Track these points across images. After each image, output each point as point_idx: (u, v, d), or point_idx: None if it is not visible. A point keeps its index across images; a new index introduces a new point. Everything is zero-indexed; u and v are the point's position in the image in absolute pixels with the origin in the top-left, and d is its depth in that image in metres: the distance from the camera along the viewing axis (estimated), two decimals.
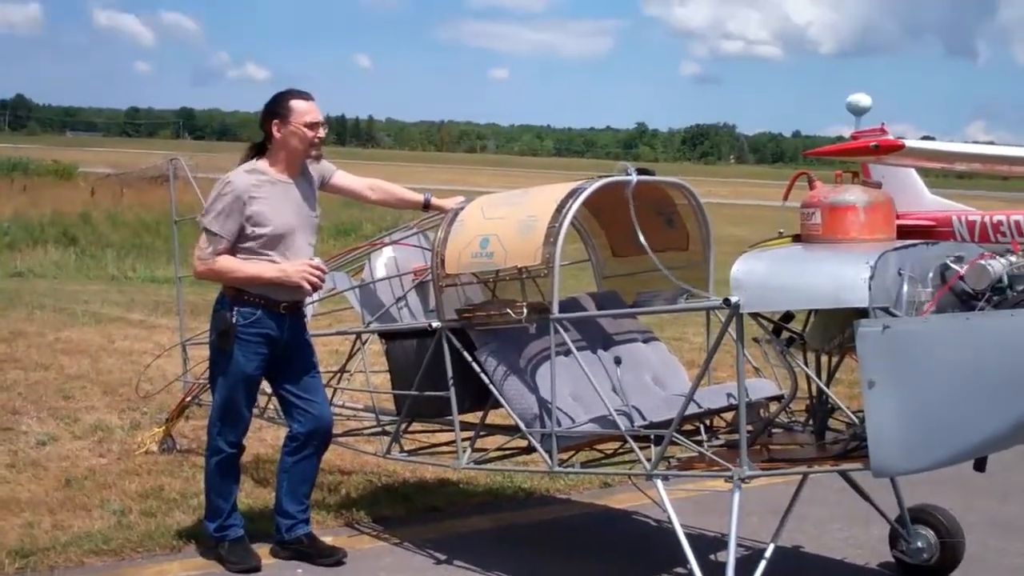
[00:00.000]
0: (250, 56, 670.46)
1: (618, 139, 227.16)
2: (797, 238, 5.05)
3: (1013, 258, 4.64)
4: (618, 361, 5.69)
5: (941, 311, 4.51)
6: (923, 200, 15.71)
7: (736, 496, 4.68)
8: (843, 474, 5.32)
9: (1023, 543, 6.25)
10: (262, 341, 5.39)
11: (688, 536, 4.90)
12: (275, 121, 5.38)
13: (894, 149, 11.28)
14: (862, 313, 4.37)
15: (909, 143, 11.62)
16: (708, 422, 5.63)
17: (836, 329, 4.84)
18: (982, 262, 4.58)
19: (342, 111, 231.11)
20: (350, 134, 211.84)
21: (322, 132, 5.48)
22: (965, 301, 4.58)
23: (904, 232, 5.76)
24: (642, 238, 5.29)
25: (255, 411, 5.80)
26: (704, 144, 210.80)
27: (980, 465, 4.76)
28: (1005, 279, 4.55)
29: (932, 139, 13.73)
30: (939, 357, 4.22)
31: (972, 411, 4.21)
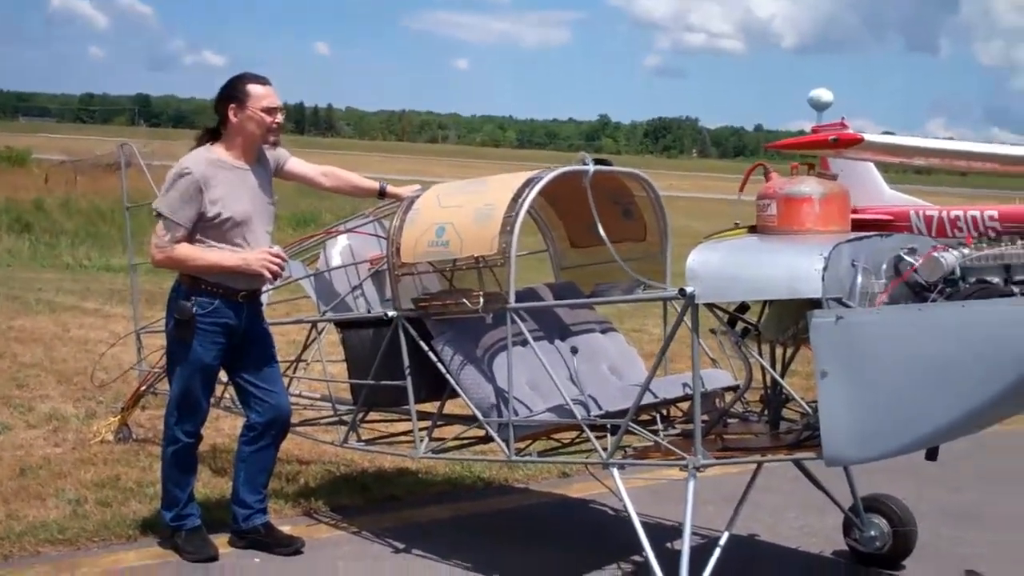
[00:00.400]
0: (207, 42, 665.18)
1: (581, 131, 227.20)
2: (753, 229, 5.09)
3: (966, 250, 4.71)
4: (574, 351, 5.70)
5: (894, 302, 4.56)
6: (882, 195, 15.88)
7: (691, 484, 4.71)
8: (797, 463, 5.39)
9: (976, 532, 6.35)
10: (220, 331, 5.34)
11: (645, 524, 4.93)
12: (232, 105, 5.31)
13: (853, 143, 11.40)
14: (816, 304, 4.42)
15: (868, 137, 11.75)
16: (664, 412, 5.68)
17: (790, 320, 4.87)
18: (935, 254, 4.64)
19: (301, 99, 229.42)
20: (309, 123, 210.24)
21: (280, 117, 5.42)
22: (918, 293, 4.63)
23: (862, 226, 5.83)
24: (600, 229, 5.30)
25: (212, 400, 5.76)
26: (667, 137, 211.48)
27: (932, 454, 4.83)
28: (958, 271, 4.61)
29: (892, 134, 13.85)
30: (891, 348, 4.27)
31: (924, 401, 4.26)
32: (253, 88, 5.32)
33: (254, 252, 5.31)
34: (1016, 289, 4.54)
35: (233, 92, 5.33)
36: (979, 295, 4.48)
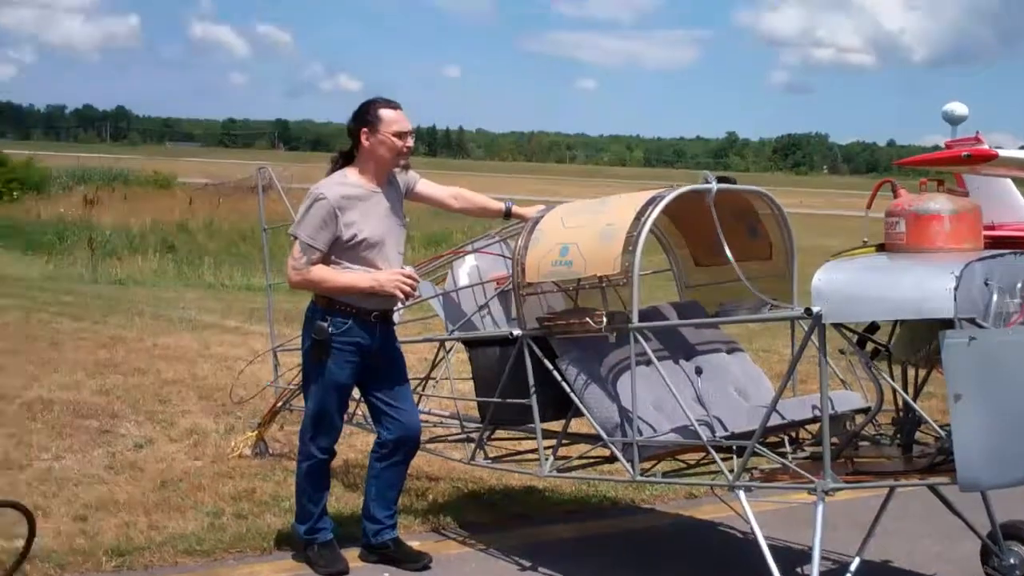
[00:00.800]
0: (342, 68, 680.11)
1: (708, 148, 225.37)
2: (881, 247, 5.00)
3: None
4: (699, 371, 5.66)
5: None
6: (1020, 211, 15.32)
7: (820, 508, 4.64)
8: (932, 488, 5.24)
9: None
10: (354, 350, 5.47)
11: (774, 549, 4.87)
12: (364, 130, 5.44)
13: (987, 159, 11.01)
14: (948, 324, 4.31)
15: (1003, 153, 11.32)
16: (793, 434, 5.60)
17: (922, 341, 4.77)
18: None
19: (432, 122, 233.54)
20: (440, 144, 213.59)
21: (410, 141, 5.52)
22: None
23: (999, 244, 5.65)
24: (726, 248, 5.27)
25: (345, 417, 5.90)
26: (796, 154, 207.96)
27: None
28: None
29: None
30: None
31: None
32: (384, 113, 5.44)
33: (386, 273, 5.42)
34: None
35: (365, 117, 5.47)
36: None
